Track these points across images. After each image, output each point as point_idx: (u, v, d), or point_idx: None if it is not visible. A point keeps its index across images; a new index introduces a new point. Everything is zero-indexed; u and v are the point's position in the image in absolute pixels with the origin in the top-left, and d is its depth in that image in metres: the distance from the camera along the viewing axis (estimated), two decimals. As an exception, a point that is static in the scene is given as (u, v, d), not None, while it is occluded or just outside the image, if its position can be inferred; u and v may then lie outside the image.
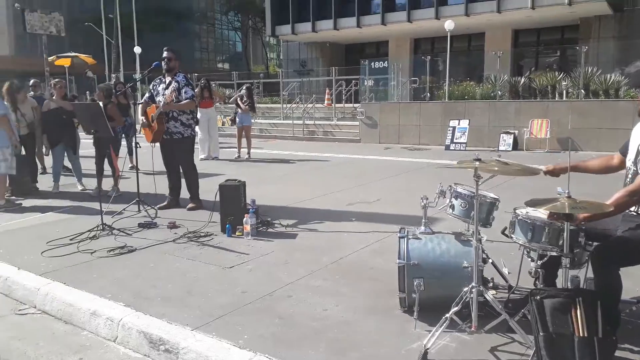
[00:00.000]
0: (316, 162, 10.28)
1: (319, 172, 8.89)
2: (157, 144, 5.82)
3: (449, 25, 14.85)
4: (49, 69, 16.95)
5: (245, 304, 3.25)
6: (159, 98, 5.73)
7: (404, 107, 13.88)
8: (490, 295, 2.73)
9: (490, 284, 3.15)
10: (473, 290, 2.71)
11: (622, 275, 2.57)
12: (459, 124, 12.44)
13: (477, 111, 12.53)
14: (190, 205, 5.85)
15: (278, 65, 63.73)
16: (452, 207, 3.13)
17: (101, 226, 4.89)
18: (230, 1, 48.85)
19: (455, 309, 2.70)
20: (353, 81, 18.86)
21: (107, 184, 6.86)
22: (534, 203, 2.62)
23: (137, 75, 23.46)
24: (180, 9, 46.90)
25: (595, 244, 2.70)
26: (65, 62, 23.96)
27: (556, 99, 12.69)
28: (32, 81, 9.11)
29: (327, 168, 9.39)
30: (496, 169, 2.68)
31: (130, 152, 8.92)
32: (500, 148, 11.70)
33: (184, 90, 5.67)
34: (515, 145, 11.73)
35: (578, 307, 2.36)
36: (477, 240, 2.80)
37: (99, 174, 6.67)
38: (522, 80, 14.02)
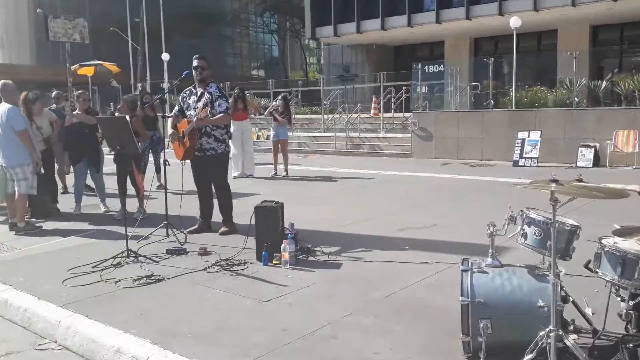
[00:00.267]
0: (362, 180, 10.28)
1: (365, 192, 8.88)
2: (187, 161, 6.00)
3: (514, 22, 14.64)
4: (72, 79, 17.90)
5: (284, 344, 3.26)
6: (190, 112, 5.91)
7: (463, 116, 13.71)
8: (571, 340, 2.63)
9: (571, 327, 3.03)
10: (551, 334, 2.62)
11: None
12: (528, 136, 12.16)
13: (550, 121, 12.22)
14: (223, 229, 5.96)
15: (318, 71, 64.55)
16: (524, 235, 3.05)
17: (126, 252, 5.05)
18: (265, 1, 49.97)
19: (530, 356, 2.62)
20: (403, 88, 18.84)
21: (132, 205, 7.10)
22: (623, 232, 2.52)
23: (165, 85, 24.32)
24: (211, 11, 48.41)
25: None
26: (89, 71, 25.16)
27: (646, 105, 12.22)
28: (54, 93, 9.48)
29: (375, 187, 9.37)
30: (577, 192, 2.60)
31: (158, 170, 9.22)
32: (579, 164, 11.32)
33: (217, 103, 5.83)
34: (597, 161, 11.32)
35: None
36: (554, 275, 2.72)
37: (122, 195, 6.90)
38: (604, 84, 13.62)
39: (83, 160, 7.42)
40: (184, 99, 6.04)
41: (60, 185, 9.00)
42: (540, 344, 2.67)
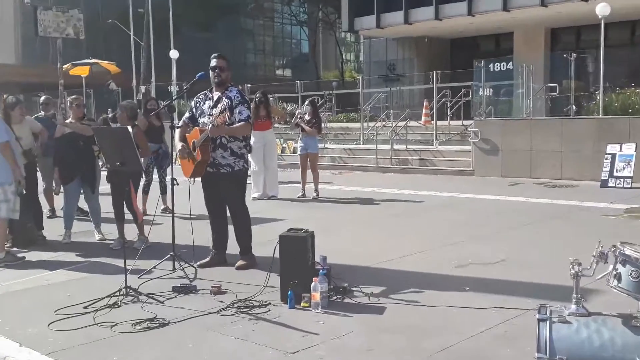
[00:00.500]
0: (410, 203, 10.23)
1: (414, 218, 8.83)
2: (198, 179, 6.08)
3: (602, 9, 14.42)
4: (63, 81, 18.45)
5: (314, 407, 3.24)
6: (204, 119, 6.01)
7: (537, 125, 13.54)
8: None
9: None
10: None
11: None
12: (620, 150, 11.90)
13: (647, 131, 11.96)
14: (240, 262, 6.00)
15: (357, 70, 65.01)
16: (618, 277, 2.99)
17: (124, 290, 5.12)
18: (294, -13, 50.63)
19: None
20: (462, 90, 18.78)
21: (133, 232, 7.23)
22: None
23: (173, 88, 24.84)
24: (228, -1, 49.31)
25: None
26: (83, 72, 25.97)
27: None
28: (42, 98, 9.73)
29: (426, 212, 9.31)
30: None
31: (163, 190, 9.38)
32: (687, 185, 11.00)
33: (238, 110, 5.91)
34: None
35: None
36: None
37: (119, 220, 7.03)
38: None
39: (76, 178, 7.55)
40: (198, 105, 6.14)
41: (46, 207, 9.23)
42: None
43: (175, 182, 5.87)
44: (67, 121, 7.65)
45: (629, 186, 11.42)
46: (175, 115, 6.09)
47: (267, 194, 10.98)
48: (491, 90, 16.04)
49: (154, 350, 4.07)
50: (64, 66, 20.63)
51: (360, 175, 15.16)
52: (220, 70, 5.93)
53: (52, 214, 9.37)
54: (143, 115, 8.89)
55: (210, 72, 5.95)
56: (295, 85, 21.48)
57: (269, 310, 4.72)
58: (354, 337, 4.18)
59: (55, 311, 4.85)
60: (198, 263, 5.97)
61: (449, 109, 18.83)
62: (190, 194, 5.86)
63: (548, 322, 2.98)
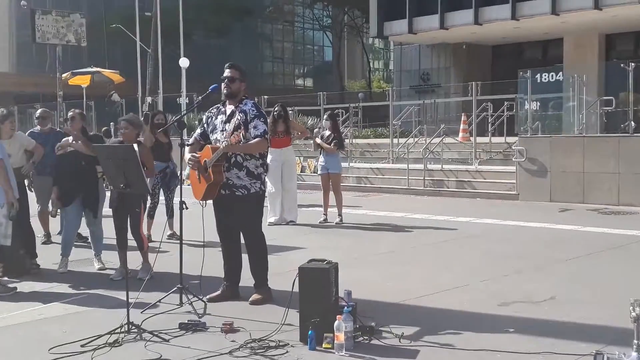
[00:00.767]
0: (446, 231, 10.16)
1: (451, 248, 8.77)
2: (209, 202, 6.10)
3: (665, 12, 14.32)
4: (62, 92, 18.77)
5: None
6: (216, 136, 6.05)
7: (591, 143, 13.39)
8: None
9: None
10: None
11: None
12: (686, 172, 11.70)
13: None
14: (255, 297, 5.99)
15: (386, 80, 65.12)
16: (687, 320, 2.91)
17: (126, 326, 5.13)
18: (317, -12, 50.89)
19: None
20: (505, 103, 18.67)
21: (135, 261, 7.26)
22: None
23: (183, 100, 25.06)
24: (244, 1, 49.54)
25: None
26: (83, 81, 26.36)
27: None
28: (39, 111, 9.73)
29: (465, 241, 9.23)
30: None
31: (170, 214, 9.42)
32: None
33: (253, 125, 5.95)
34: None
35: None
36: None
37: (122, 248, 7.04)
38: None
39: (76, 200, 7.61)
40: (209, 120, 6.19)
41: (41, 232, 9.32)
42: None
43: (184, 206, 5.89)
44: (72, 141, 7.65)
45: (697, 213, 11.21)
46: (184, 131, 6.11)
47: (285, 219, 10.98)
48: (538, 103, 15.88)
49: (158, 396, 4.06)
50: (63, 75, 21.01)
51: (390, 199, 15.10)
52: (230, 81, 5.98)
53: (47, 240, 9.43)
54: (150, 130, 8.97)
55: (222, 83, 6.01)
56: (318, 96, 21.54)
57: (287, 352, 4.69)
58: (382, 384, 4.14)
59: (49, 350, 4.87)
60: (208, 297, 5.97)
61: (490, 124, 18.71)
62: (203, 217, 5.90)
63: (606, 372, 2.92)
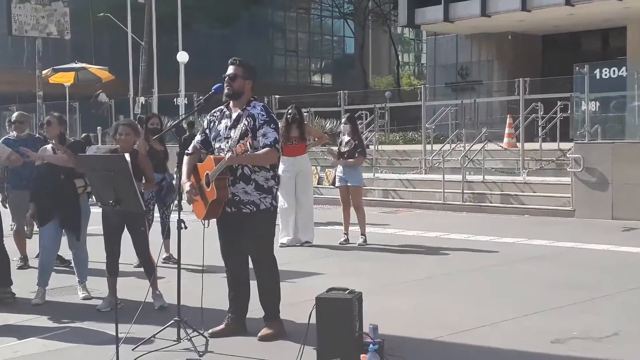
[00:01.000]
0: (488, 254, 10.11)
1: (494, 275, 8.72)
2: (213, 221, 6.11)
3: None
4: (41, 92, 18.95)
5: None
6: (220, 144, 6.06)
7: (660, 150, 13.29)
8: None
9: None
10: None
11: None
12: None
13: None
14: (265, 331, 5.98)
15: (417, 76, 65.13)
16: None
17: (115, 365, 5.14)
18: (338, -27, 50.86)
19: None
20: (559, 103, 18.57)
21: (126, 288, 7.25)
22: None
23: (181, 100, 25.18)
24: (253, -12, 50.00)
25: None
26: (66, 79, 26.61)
27: None
28: (15, 115, 9.78)
29: (511, 267, 9.19)
30: None
31: (166, 234, 9.43)
32: None
33: (262, 132, 5.94)
34: None
35: None
36: None
37: (112, 274, 7.05)
38: None
39: (53, 219, 7.60)
40: (212, 124, 6.20)
41: (16, 255, 9.37)
42: None
43: (183, 225, 5.87)
44: (49, 148, 7.68)
45: None
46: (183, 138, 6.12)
47: (300, 239, 10.98)
48: (597, 103, 15.79)
49: None
50: (43, 72, 21.22)
51: (422, 215, 15.06)
52: (232, 79, 5.97)
53: (24, 264, 9.47)
54: (145, 137, 9.00)
55: (224, 83, 6.02)
56: (337, 96, 21.59)
57: (303, 397, 4.68)
58: None
59: (26, 392, 4.89)
60: (210, 331, 5.97)
61: (540, 128, 18.63)
62: (204, 238, 5.90)
63: None
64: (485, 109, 23.99)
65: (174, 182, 9.33)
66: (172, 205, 9.48)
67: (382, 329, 5.13)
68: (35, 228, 8.22)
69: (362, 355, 4.72)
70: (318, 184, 17.67)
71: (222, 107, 6.20)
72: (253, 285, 6.19)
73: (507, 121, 19.48)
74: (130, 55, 30.87)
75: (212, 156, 5.98)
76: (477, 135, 18.21)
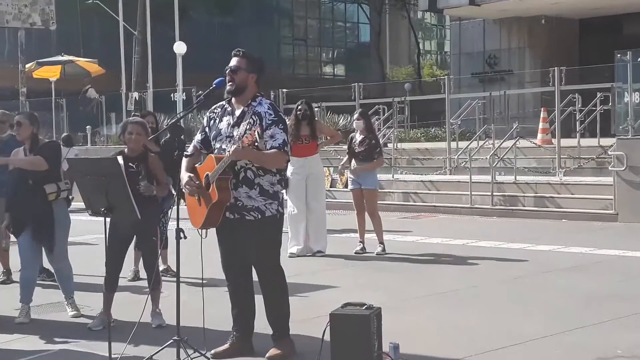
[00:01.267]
0: (522, 263, 10.11)
1: (527, 287, 8.71)
2: (212, 230, 6.11)
3: None
4: (25, 88, 19.03)
5: None
6: (221, 144, 6.05)
7: None
8: None
9: None
10: None
11: None
12: None
13: None
14: (273, 351, 5.97)
15: (440, 66, 64.93)
16: None
17: (108, 390, 5.16)
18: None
19: None
20: (598, 94, 18.49)
21: (119, 304, 7.28)
22: None
23: (179, 96, 25.21)
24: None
25: None
26: (52, 74, 26.74)
27: None
28: None
29: (547, 277, 9.19)
30: None
31: (164, 244, 9.46)
32: None
33: (270, 132, 5.93)
34: None
35: None
36: None
37: (111, 290, 7.08)
38: None
39: (26, 230, 7.55)
40: (212, 122, 6.19)
41: (-1, 269, 9.44)
42: None
43: (182, 235, 5.87)
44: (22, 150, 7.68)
45: None
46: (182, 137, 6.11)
47: (311, 248, 10.99)
48: (642, 95, 15.78)
49: None
50: (27, 66, 21.27)
51: (447, 221, 15.05)
52: (234, 72, 5.95)
53: (7, 278, 9.51)
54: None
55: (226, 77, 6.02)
56: (352, 89, 21.58)
57: None
58: None
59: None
60: (213, 352, 5.97)
61: (578, 123, 18.56)
62: (202, 249, 5.90)
63: None
64: (517, 101, 23.95)
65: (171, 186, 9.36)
66: (169, 212, 9.50)
67: (403, 348, 5.13)
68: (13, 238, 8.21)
69: (381, 378, 4.72)
70: (331, 186, 17.66)
71: (223, 102, 6.18)
72: (259, 299, 6.17)
73: (541, 115, 19.43)
74: (122, 47, 30.85)
75: (213, 155, 5.94)
76: (507, 131, 18.16)
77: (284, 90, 22.21)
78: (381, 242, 10.96)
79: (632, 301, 7.71)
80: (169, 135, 9.92)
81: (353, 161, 10.99)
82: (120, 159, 5.78)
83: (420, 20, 66.42)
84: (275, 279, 6.11)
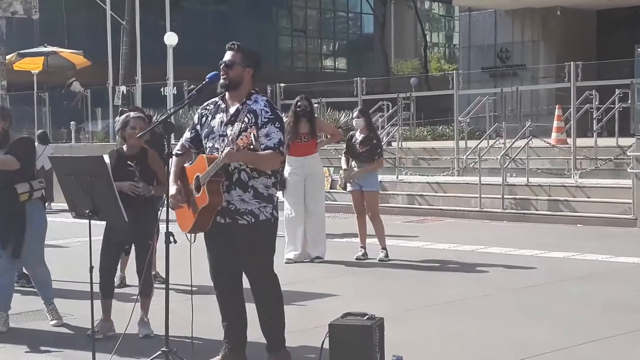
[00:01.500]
0: (534, 271, 10.11)
1: (540, 296, 8.72)
2: (200, 235, 6.11)
3: None
4: (5, 81, 19.08)
5: None
6: (213, 143, 6.05)
7: None
8: None
9: None
10: None
11: None
12: None
13: None
14: (268, 365, 6.01)
15: (448, 59, 64.91)
16: None
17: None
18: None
19: None
20: (617, 91, 18.49)
21: (97, 312, 7.28)
22: None
23: (169, 90, 25.23)
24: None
25: None
26: (34, 66, 26.74)
27: None
28: None
29: (559, 286, 9.20)
30: None
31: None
32: None
33: (265, 131, 5.93)
34: None
35: None
36: None
37: (108, 296, 7.13)
38: None
39: None
40: (204, 119, 6.19)
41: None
42: None
43: (172, 239, 5.87)
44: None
45: None
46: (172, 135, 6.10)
47: (309, 254, 10.99)
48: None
49: None
50: (7, 57, 21.30)
51: (454, 225, 15.07)
52: (228, 67, 5.94)
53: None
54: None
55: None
56: (354, 83, 21.59)
57: None
58: None
59: None
60: (203, 364, 6.00)
61: (595, 121, 18.58)
62: (191, 255, 5.89)
63: None
64: (530, 98, 23.95)
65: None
66: (159, 214, 9.51)
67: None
68: None
69: (383, 392, 4.74)
70: (330, 188, 17.64)
71: (216, 99, 6.17)
72: (251, 307, 6.14)
73: (556, 113, 19.44)
74: (109, 38, 30.89)
75: (205, 155, 5.94)
76: (519, 130, 18.18)
77: (282, 84, 22.20)
78: (384, 248, 10.96)
79: (650, 311, 7.74)
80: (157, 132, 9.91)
81: (352, 162, 11.01)
82: (106, 158, 5.77)
83: (427, 11, 66.51)
84: (268, 287, 6.09)
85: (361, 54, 60.72)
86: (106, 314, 7.11)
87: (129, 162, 6.91)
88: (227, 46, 6.08)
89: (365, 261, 10.84)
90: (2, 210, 7.39)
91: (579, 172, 16.25)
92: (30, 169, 7.59)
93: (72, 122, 25.90)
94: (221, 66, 5.98)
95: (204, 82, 6.02)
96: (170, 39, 26.29)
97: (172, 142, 5.98)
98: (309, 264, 10.77)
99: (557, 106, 19.74)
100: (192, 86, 6.13)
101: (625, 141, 16.60)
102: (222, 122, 6.00)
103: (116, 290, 8.38)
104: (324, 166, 12.88)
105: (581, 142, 17.62)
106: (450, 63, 59.81)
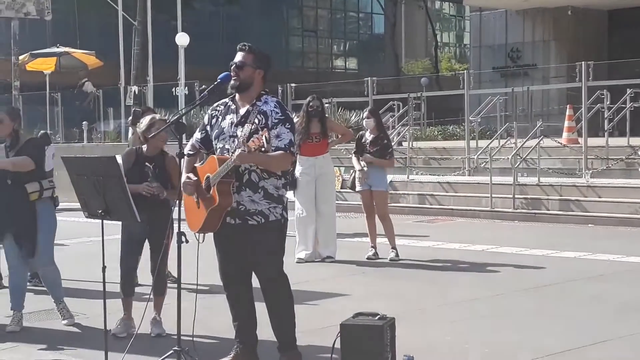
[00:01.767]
0: (545, 271, 10.09)
1: (552, 297, 8.70)
2: (209, 235, 6.10)
3: None
4: (18, 82, 19.12)
5: None
6: (223, 143, 6.04)
7: None
8: None
9: None
10: None
11: None
12: None
13: None
14: (279, 365, 6.00)
15: (459, 59, 64.78)
16: None
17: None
18: None
19: None
20: (629, 91, 18.44)
21: (118, 312, 7.30)
22: None
23: (181, 90, 25.22)
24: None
25: None
26: (46, 66, 26.77)
27: None
28: None
29: (572, 287, 9.17)
30: None
31: (164, 248, 9.48)
32: None
33: (276, 132, 5.92)
34: None
35: None
36: None
37: (129, 295, 7.15)
38: None
39: (8, 233, 7.53)
40: (215, 120, 6.18)
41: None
42: None
43: (184, 239, 5.87)
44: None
45: None
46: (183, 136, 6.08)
47: (320, 253, 10.99)
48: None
49: None
50: (20, 58, 21.33)
51: (465, 225, 15.05)
52: (239, 68, 5.93)
53: (-2, 284, 9.59)
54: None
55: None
56: (365, 83, 21.56)
57: None
58: None
59: None
60: (215, 364, 6.00)
61: (606, 121, 18.51)
62: (198, 256, 5.88)
63: None
64: (541, 98, 23.89)
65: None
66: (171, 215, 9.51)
67: (418, 360, 5.14)
68: None
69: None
70: (341, 188, 17.62)
71: (226, 100, 6.16)
72: (262, 307, 6.13)
73: (567, 113, 19.39)
74: (120, 38, 30.88)
75: (216, 156, 5.94)
76: (530, 130, 18.14)
77: (293, 84, 22.18)
78: (394, 247, 10.95)
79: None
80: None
81: (362, 162, 10.99)
82: (119, 158, 5.76)
83: (438, 11, 66.41)
84: (279, 287, 6.09)
85: (372, 54, 60.67)
86: (127, 312, 7.14)
87: (146, 164, 6.93)
88: (238, 47, 6.07)
89: (376, 261, 10.82)
90: (15, 208, 7.41)
91: (590, 171, 16.22)
92: (40, 168, 7.61)
93: (84, 122, 25.96)
94: (232, 67, 5.97)
95: (215, 83, 6.02)
96: (182, 39, 26.32)
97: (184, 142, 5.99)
98: (320, 264, 10.77)
99: (568, 106, 19.69)
100: (203, 86, 6.15)
101: (636, 141, 16.59)
102: (232, 123, 5.99)
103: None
104: (334, 166, 12.85)
105: (592, 141, 17.58)
106: (461, 63, 59.70)
